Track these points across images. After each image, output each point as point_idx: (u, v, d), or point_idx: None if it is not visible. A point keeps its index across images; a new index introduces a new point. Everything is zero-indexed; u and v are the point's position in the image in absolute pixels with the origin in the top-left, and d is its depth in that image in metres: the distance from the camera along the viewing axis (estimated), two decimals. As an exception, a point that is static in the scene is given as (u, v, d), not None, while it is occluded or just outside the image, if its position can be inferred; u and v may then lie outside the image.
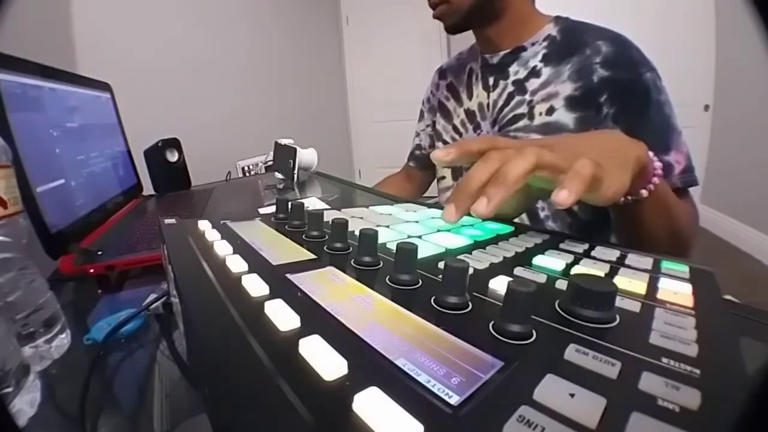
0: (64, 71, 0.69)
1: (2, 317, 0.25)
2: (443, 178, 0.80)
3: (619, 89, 0.55)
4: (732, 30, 2.31)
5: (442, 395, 0.11)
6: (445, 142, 0.79)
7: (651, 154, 0.38)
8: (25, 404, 0.23)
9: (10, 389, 0.23)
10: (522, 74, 0.64)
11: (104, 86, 0.89)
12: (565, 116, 0.59)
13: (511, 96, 0.65)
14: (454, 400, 0.11)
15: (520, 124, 0.63)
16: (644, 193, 0.38)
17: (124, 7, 2.10)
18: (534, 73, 0.63)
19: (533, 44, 0.63)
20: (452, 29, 0.65)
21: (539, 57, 0.63)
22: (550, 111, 0.60)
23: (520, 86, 0.64)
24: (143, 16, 2.18)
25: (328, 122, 3.30)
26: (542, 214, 0.62)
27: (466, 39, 0.75)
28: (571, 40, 0.61)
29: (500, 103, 0.66)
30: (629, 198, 0.39)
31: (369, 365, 0.13)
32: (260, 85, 2.79)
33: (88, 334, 0.32)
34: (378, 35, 3.34)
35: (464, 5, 0.61)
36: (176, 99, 2.30)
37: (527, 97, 0.63)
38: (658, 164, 0.38)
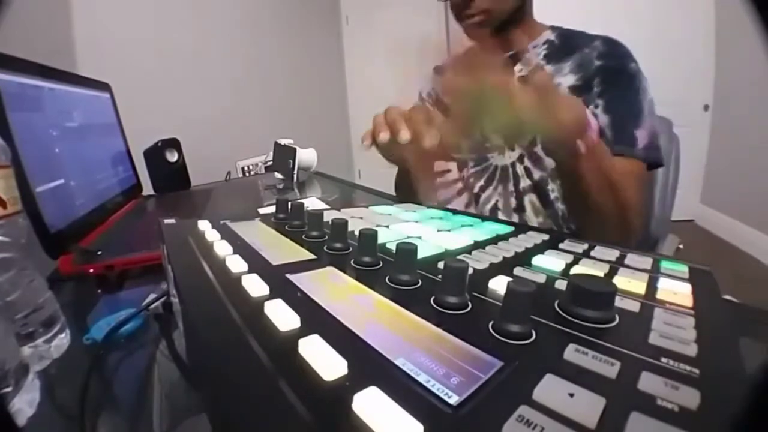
0: (64, 71, 0.69)
1: (1, 317, 0.25)
2: (448, 171, 0.82)
3: (609, 73, 0.64)
4: (732, 30, 2.31)
5: (441, 395, 0.12)
6: None
7: (591, 117, 0.44)
8: (25, 404, 0.23)
9: (9, 389, 0.23)
10: (525, 71, 0.69)
11: (104, 86, 0.89)
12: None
13: None
14: (453, 400, 0.11)
15: None
16: (581, 145, 0.43)
17: (125, 7, 2.10)
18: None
19: (534, 47, 0.72)
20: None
21: (540, 57, 0.70)
22: None
23: (523, 81, 0.68)
24: (143, 16, 2.18)
25: (328, 122, 3.30)
26: (552, 196, 0.66)
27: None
28: (570, 43, 0.70)
29: None
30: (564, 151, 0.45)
31: (369, 365, 0.13)
32: (260, 85, 2.78)
33: (87, 333, 0.32)
34: (378, 35, 3.34)
35: (503, 15, 0.68)
36: (176, 99, 2.30)
37: None
38: (594, 124, 0.44)
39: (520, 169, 0.69)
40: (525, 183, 0.69)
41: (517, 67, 0.71)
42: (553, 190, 0.67)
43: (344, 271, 0.22)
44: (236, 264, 0.21)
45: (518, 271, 0.23)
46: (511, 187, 0.70)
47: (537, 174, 0.68)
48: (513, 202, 0.70)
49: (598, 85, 0.64)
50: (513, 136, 0.66)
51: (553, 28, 0.74)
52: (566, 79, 0.66)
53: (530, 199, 0.68)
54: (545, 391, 0.12)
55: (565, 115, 0.41)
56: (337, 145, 3.41)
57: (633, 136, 0.61)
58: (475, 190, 0.75)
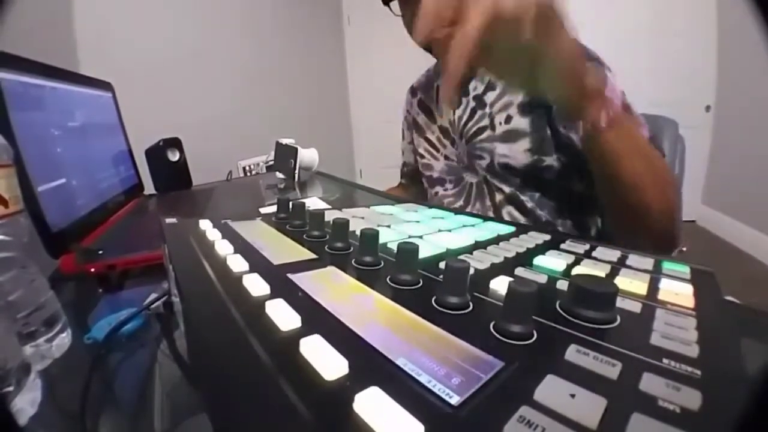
0: (66, 70, 0.69)
1: (3, 316, 0.25)
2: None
3: None
4: (734, 30, 2.31)
5: (442, 395, 0.12)
6: (421, 156, 0.83)
7: (614, 90, 0.41)
8: (26, 403, 0.23)
9: (11, 388, 0.23)
10: (480, 89, 0.69)
11: (106, 85, 0.89)
12: (520, 122, 0.64)
13: (473, 111, 0.70)
14: (454, 400, 0.11)
15: (485, 135, 0.68)
16: (602, 119, 0.40)
17: (126, 6, 2.10)
18: (490, 86, 0.68)
19: None
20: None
21: None
22: (508, 119, 0.65)
23: (479, 101, 0.69)
24: (145, 16, 2.18)
25: (330, 122, 3.30)
26: (529, 205, 0.66)
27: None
28: None
29: (465, 118, 0.71)
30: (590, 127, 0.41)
31: (370, 365, 0.13)
32: (262, 84, 2.79)
33: (88, 333, 0.32)
34: (379, 35, 3.33)
35: None
36: (178, 98, 2.30)
37: (487, 110, 0.68)
38: (617, 100, 0.41)
39: (494, 181, 0.69)
40: (500, 196, 0.68)
41: (472, 85, 0.68)
42: (526, 201, 0.66)
43: (345, 271, 0.22)
44: (237, 263, 0.21)
45: (519, 271, 0.23)
46: (488, 202, 0.70)
47: (507, 188, 0.67)
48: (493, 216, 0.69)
49: None
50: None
51: None
52: (516, 95, 0.64)
53: (508, 211, 0.68)
54: (546, 391, 0.12)
55: (584, 79, 0.37)
56: (339, 144, 3.42)
57: None
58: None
